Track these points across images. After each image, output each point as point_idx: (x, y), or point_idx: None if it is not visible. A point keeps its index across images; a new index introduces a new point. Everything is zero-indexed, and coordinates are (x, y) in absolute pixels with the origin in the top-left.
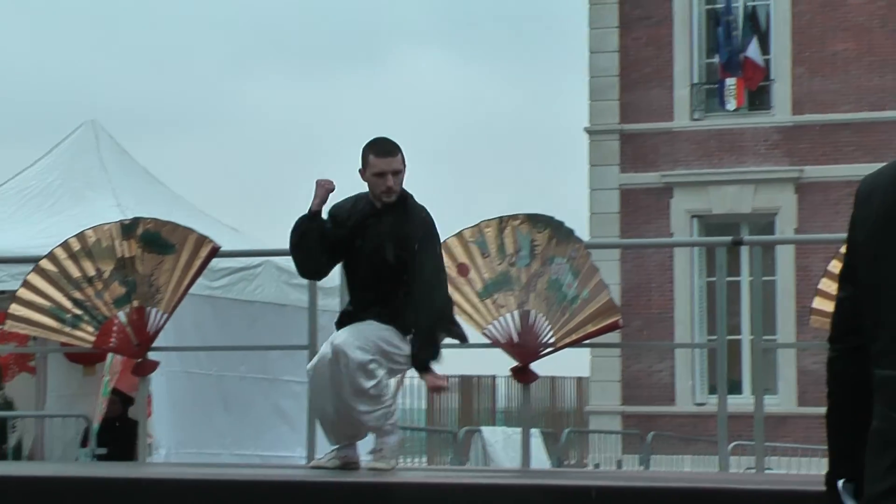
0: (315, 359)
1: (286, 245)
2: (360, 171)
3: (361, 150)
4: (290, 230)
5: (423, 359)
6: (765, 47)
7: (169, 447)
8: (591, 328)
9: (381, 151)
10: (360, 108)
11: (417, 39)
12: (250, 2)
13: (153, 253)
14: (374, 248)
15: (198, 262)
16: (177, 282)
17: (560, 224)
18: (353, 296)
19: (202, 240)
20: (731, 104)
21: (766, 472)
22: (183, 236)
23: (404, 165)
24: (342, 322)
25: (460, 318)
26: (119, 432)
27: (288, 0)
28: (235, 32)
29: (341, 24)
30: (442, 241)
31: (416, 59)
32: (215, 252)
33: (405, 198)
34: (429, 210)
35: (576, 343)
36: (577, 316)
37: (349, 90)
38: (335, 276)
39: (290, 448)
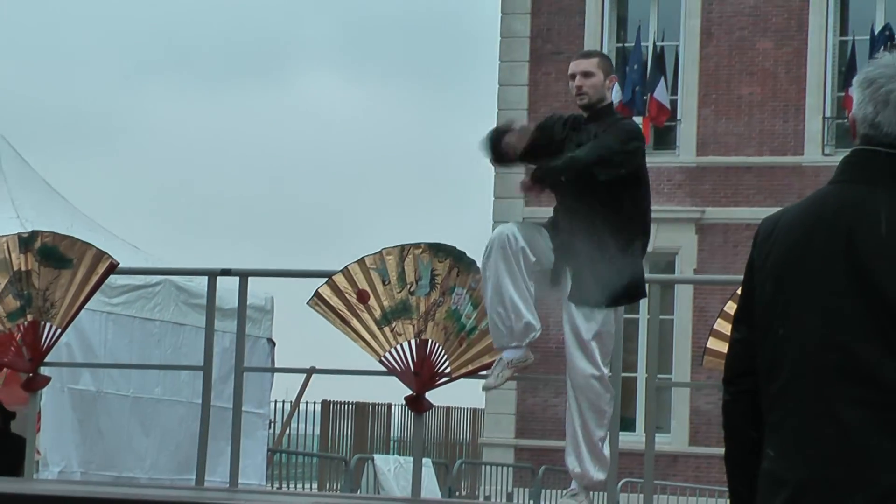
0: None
1: (186, 264)
2: None
3: None
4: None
5: (552, 167)
6: (673, 87)
7: (72, 466)
8: (487, 359)
9: (577, 55)
10: (264, 126)
11: (323, 61)
12: (150, 14)
13: (49, 267)
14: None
15: (95, 278)
16: (73, 297)
17: (462, 254)
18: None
19: (101, 255)
20: None
21: None
22: (81, 251)
23: (603, 70)
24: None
25: (358, 346)
26: (3, 446)
27: (190, 15)
28: (133, 45)
29: (246, 41)
30: (343, 267)
31: (322, 79)
32: (113, 268)
33: (610, 108)
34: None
35: (471, 374)
36: (475, 347)
37: (253, 108)
38: (233, 297)
39: (207, 472)
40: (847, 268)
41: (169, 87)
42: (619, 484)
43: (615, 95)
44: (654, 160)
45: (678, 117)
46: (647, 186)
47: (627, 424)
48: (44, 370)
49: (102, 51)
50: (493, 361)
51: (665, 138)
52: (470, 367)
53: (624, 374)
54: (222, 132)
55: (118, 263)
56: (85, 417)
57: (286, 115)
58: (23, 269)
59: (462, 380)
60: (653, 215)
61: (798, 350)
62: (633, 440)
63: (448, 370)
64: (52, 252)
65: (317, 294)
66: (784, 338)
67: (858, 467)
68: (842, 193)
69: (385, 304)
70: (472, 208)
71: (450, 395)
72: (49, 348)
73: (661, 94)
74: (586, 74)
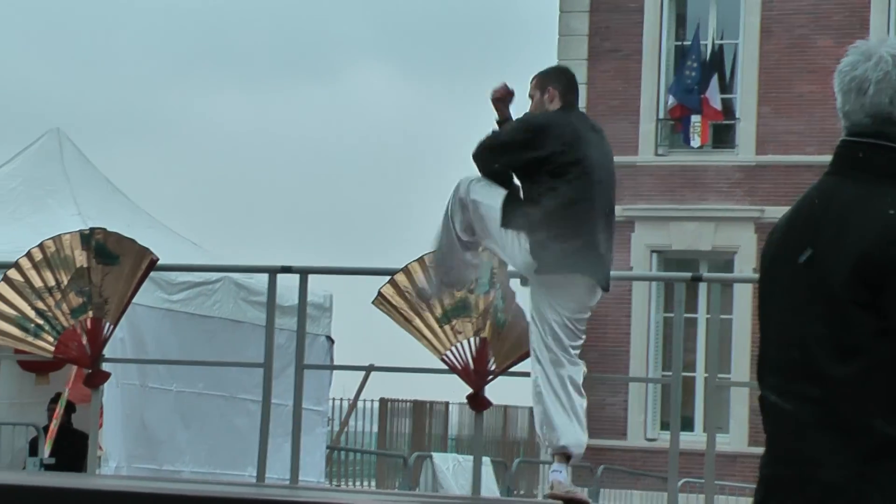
0: None
1: (245, 261)
2: None
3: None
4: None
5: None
6: (731, 86)
7: (119, 460)
8: (519, 352)
9: None
10: (317, 122)
11: (374, 56)
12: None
13: (102, 264)
14: None
15: (139, 274)
16: (121, 293)
17: None
18: None
19: (143, 252)
20: (696, 141)
21: None
22: (125, 248)
23: (539, 89)
24: None
25: (421, 344)
26: (65, 442)
27: (240, 11)
28: (183, 41)
29: (295, 36)
30: (403, 266)
31: (373, 75)
32: (154, 264)
33: None
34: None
35: (506, 370)
36: (507, 341)
37: (305, 103)
38: (293, 294)
39: (241, 467)
40: (809, 264)
41: (220, 82)
42: (679, 483)
43: (672, 95)
44: (713, 158)
45: (737, 116)
46: (556, 178)
47: (686, 424)
48: (106, 366)
49: (154, 47)
50: (525, 354)
51: (724, 137)
52: (509, 362)
53: (683, 374)
54: (275, 128)
55: (158, 259)
56: (131, 412)
57: (339, 110)
58: (84, 266)
59: (520, 378)
60: (713, 213)
61: (772, 347)
62: (692, 440)
63: (493, 367)
64: (103, 249)
65: (380, 294)
66: (764, 336)
67: (804, 464)
68: (819, 187)
69: (446, 302)
70: None
71: (508, 394)
72: (104, 344)
73: (713, 92)
74: (530, 98)
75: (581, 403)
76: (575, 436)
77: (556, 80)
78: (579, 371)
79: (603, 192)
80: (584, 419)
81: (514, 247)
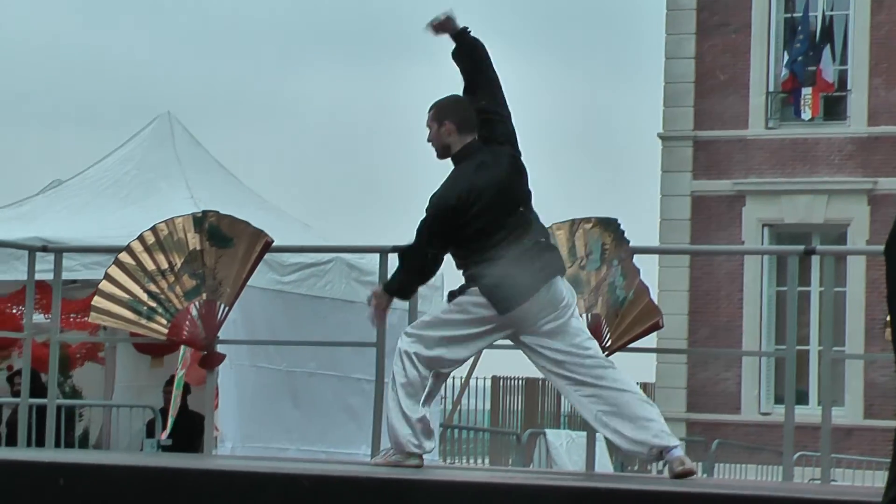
0: None
1: (357, 242)
2: None
3: None
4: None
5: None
6: (843, 57)
7: (235, 441)
8: (637, 330)
9: None
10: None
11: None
12: None
13: (215, 246)
14: None
15: (254, 256)
16: (236, 275)
17: (617, 225)
18: None
19: (257, 233)
20: (807, 114)
21: (833, 483)
22: (240, 230)
23: (436, 121)
24: None
25: None
26: (181, 423)
27: None
28: (289, 22)
29: (398, 14)
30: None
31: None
32: (269, 246)
33: (457, 155)
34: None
35: (623, 346)
36: (626, 318)
37: (410, 82)
38: None
39: (355, 445)
40: None
41: (328, 62)
42: (795, 457)
43: (784, 67)
44: (824, 131)
45: (848, 87)
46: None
47: (801, 398)
48: (220, 348)
49: (263, 28)
50: (642, 332)
51: (835, 109)
52: (624, 339)
53: (797, 348)
54: (380, 107)
55: (272, 241)
56: (244, 392)
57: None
58: (197, 248)
59: (632, 354)
60: (825, 186)
61: None
62: (807, 413)
63: (609, 343)
64: (217, 231)
65: None
66: None
67: None
68: None
69: None
70: (639, 181)
71: (623, 369)
72: (219, 325)
73: (826, 64)
74: (428, 128)
75: (633, 399)
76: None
77: (451, 114)
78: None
79: (505, 201)
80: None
81: (478, 310)
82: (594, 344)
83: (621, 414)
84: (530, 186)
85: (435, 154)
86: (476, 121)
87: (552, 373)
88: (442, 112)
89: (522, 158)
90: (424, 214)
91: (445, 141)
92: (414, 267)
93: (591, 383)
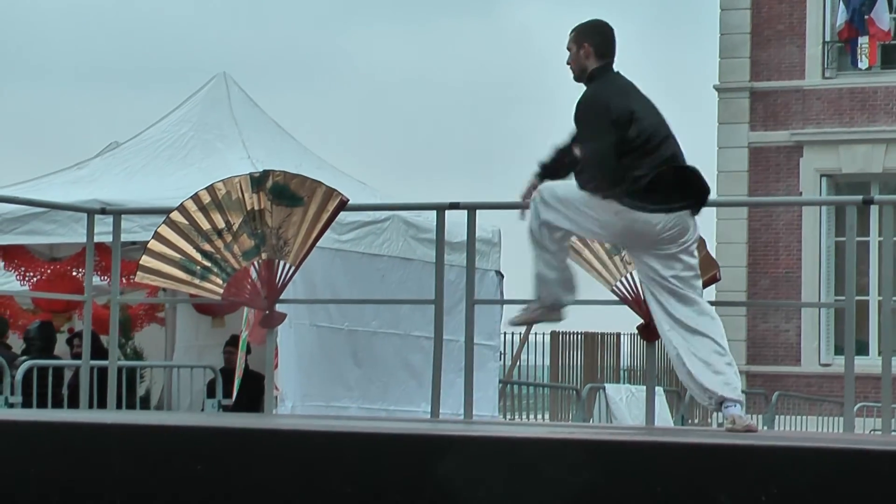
0: None
1: (413, 199)
2: None
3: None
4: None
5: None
6: None
7: (295, 400)
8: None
9: None
10: (476, 57)
11: None
12: None
13: (282, 206)
14: None
15: (325, 216)
16: (305, 235)
17: None
18: None
19: (330, 193)
20: (864, 63)
21: (894, 433)
22: (311, 189)
23: (575, 43)
24: None
25: (589, 276)
26: (242, 383)
27: None
28: None
29: None
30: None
31: (530, 5)
32: (343, 205)
33: (592, 75)
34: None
35: None
36: None
37: (463, 39)
38: (461, 231)
39: (415, 403)
40: None
41: (383, 21)
42: (856, 408)
43: (840, 16)
44: (882, 80)
45: None
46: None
47: (861, 348)
48: (280, 307)
49: None
50: (703, 284)
51: (892, 57)
52: None
53: (857, 298)
54: (434, 65)
55: (348, 200)
56: (303, 352)
57: (500, 45)
58: (256, 208)
59: None
60: (883, 135)
61: None
62: (867, 364)
63: None
64: (284, 190)
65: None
66: None
67: None
68: None
69: None
70: (695, 133)
71: None
72: (284, 286)
73: (880, 12)
74: (568, 51)
75: (710, 346)
76: (723, 382)
77: (590, 36)
78: (698, 311)
79: (662, 119)
80: (719, 360)
81: (602, 208)
82: (699, 283)
83: (697, 356)
84: None
85: (572, 76)
86: (615, 46)
87: (652, 296)
88: (581, 35)
89: None
90: (595, 120)
91: (583, 63)
92: (604, 155)
93: (681, 321)
